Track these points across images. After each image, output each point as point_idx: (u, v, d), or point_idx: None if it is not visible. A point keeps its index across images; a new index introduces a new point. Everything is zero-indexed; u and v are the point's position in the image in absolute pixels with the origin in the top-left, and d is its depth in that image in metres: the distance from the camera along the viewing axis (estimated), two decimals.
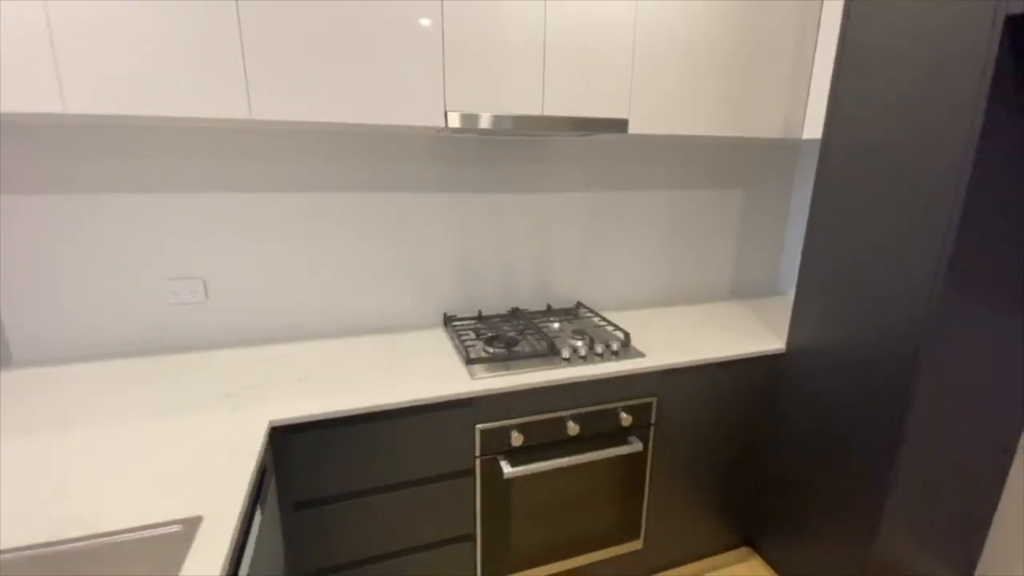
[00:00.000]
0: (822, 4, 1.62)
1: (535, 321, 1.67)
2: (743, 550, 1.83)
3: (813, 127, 1.70)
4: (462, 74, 1.28)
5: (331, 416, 1.12)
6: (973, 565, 1.59)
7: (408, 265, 1.66)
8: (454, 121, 1.27)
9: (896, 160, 1.23)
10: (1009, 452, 1.48)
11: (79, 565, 0.68)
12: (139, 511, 0.78)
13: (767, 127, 1.68)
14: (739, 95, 1.60)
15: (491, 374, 1.29)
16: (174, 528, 0.74)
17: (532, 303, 1.84)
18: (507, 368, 1.33)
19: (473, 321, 1.69)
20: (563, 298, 1.88)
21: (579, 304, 1.85)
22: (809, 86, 1.69)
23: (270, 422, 1.06)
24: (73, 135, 1.27)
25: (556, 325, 1.68)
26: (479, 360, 1.36)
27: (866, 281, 1.33)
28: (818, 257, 1.47)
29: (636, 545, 1.58)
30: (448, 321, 1.69)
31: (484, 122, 1.27)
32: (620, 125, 1.42)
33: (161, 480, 0.86)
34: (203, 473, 0.88)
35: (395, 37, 1.20)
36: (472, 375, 1.29)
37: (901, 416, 1.26)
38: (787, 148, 2.09)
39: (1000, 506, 1.54)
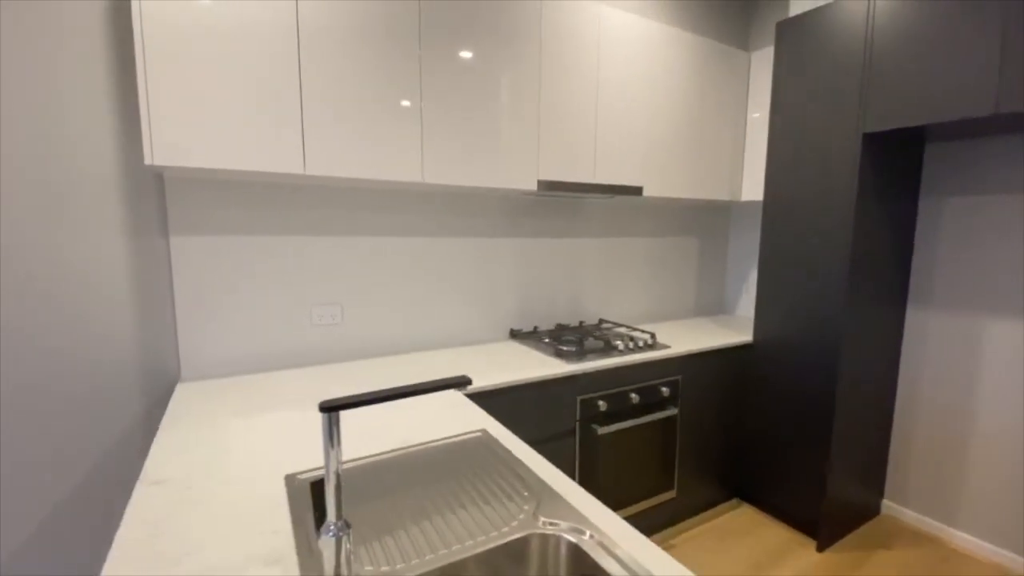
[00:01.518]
0: (747, 116, 2.49)
1: (581, 330, 2.21)
2: (734, 501, 2.41)
3: (748, 192, 2.52)
4: (547, 153, 1.87)
5: (497, 387, 1.56)
6: (883, 485, 2.33)
7: (483, 293, 2.14)
8: (543, 186, 1.85)
9: (809, 215, 2.02)
10: (891, 400, 2.27)
11: (440, 451, 1.08)
12: (442, 432, 1.18)
13: (720, 192, 2.47)
14: (705, 170, 2.37)
15: (577, 362, 1.80)
16: (477, 434, 1.16)
17: (568, 319, 2.39)
18: (582, 359, 1.85)
19: (533, 333, 2.19)
20: (589, 316, 2.45)
21: (601, 320, 2.44)
22: (743, 163, 2.53)
23: (462, 393, 1.48)
24: (240, 189, 1.64)
25: (595, 333, 2.23)
26: (565, 354, 1.87)
27: (800, 293, 2.08)
28: (769, 278, 2.21)
29: (671, 494, 2.10)
30: (514, 334, 2.17)
31: (563, 187, 1.87)
32: (638, 190, 2.09)
33: (433, 419, 1.26)
34: (453, 415, 1.29)
35: (512, 130, 1.77)
36: (566, 363, 1.79)
37: (832, 381, 1.97)
38: (723, 207, 2.93)
39: (892, 442, 2.31)
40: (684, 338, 2.24)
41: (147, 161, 1.25)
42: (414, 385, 0.70)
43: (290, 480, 0.96)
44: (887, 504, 2.31)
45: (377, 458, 1.04)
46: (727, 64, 2.39)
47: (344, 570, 0.65)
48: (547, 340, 2.06)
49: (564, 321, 2.37)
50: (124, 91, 1.45)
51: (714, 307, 3.01)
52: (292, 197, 1.71)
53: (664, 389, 1.98)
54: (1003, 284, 1.95)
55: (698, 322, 2.67)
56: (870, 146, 1.87)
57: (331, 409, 0.63)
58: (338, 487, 0.65)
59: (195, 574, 0.70)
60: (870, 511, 2.28)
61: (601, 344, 1.99)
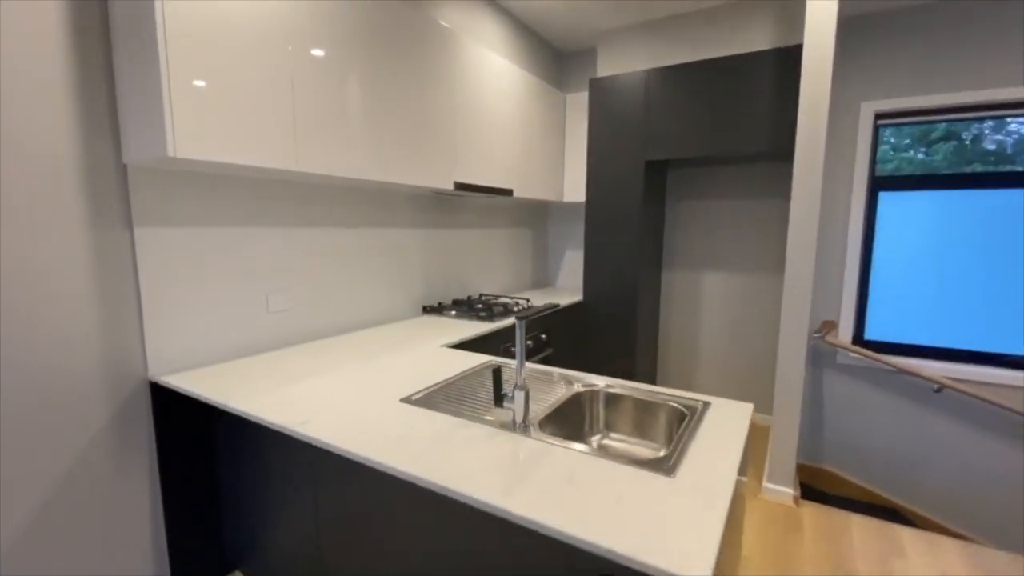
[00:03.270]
0: (564, 139, 3.44)
1: (477, 301, 2.79)
2: None
3: (567, 195, 3.48)
4: (460, 161, 2.39)
5: (464, 340, 2.03)
6: (655, 377, 3.61)
7: (400, 276, 2.51)
8: (458, 186, 2.36)
9: (613, 212, 3.05)
10: (657, 326, 3.56)
11: (478, 374, 1.57)
12: (464, 367, 1.65)
13: (551, 194, 3.36)
14: (543, 177, 3.21)
15: (495, 322, 2.40)
16: (492, 362, 1.67)
17: (460, 295, 2.92)
18: (496, 319, 2.45)
19: (439, 307, 2.66)
20: (473, 291, 3.04)
21: (481, 294, 3.05)
22: (563, 173, 3.47)
23: (440, 345, 1.92)
24: (200, 181, 1.71)
25: (491, 302, 2.83)
26: (484, 318, 2.43)
27: (611, 265, 3.11)
28: (591, 255, 3.19)
29: None
30: (426, 310, 2.61)
31: (471, 188, 2.42)
32: (510, 192, 2.79)
33: (445, 362, 1.70)
34: (453, 359, 1.75)
35: (437, 143, 2.23)
36: (491, 323, 2.36)
37: (634, 313, 3.06)
38: (545, 206, 3.87)
39: (659, 351, 3.60)
40: (542, 302, 3.03)
41: (172, 152, 1.32)
42: (542, 307, 1.23)
43: (407, 400, 1.33)
44: None
45: (443, 384, 1.47)
46: (553, 101, 3.27)
47: (527, 410, 1.16)
48: (454, 312, 2.57)
49: (457, 296, 2.91)
50: (87, 84, 1.39)
51: (542, 281, 3.94)
52: (248, 190, 1.81)
53: (543, 336, 2.74)
54: (709, 252, 3.35)
55: (539, 292, 3.54)
56: (648, 169, 2.98)
57: (522, 318, 1.13)
58: (523, 358, 1.15)
59: (438, 436, 1.09)
60: None
61: (501, 308, 2.62)
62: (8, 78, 1.25)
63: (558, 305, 1.26)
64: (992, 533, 2.66)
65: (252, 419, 1.25)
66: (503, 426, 1.16)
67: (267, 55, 1.51)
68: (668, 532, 0.77)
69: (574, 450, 1.04)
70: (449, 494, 0.90)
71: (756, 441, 3.06)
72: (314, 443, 1.11)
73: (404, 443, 1.07)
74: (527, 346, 2.59)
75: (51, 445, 1.39)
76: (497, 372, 1.19)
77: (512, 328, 2.45)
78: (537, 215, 3.78)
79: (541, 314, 1.17)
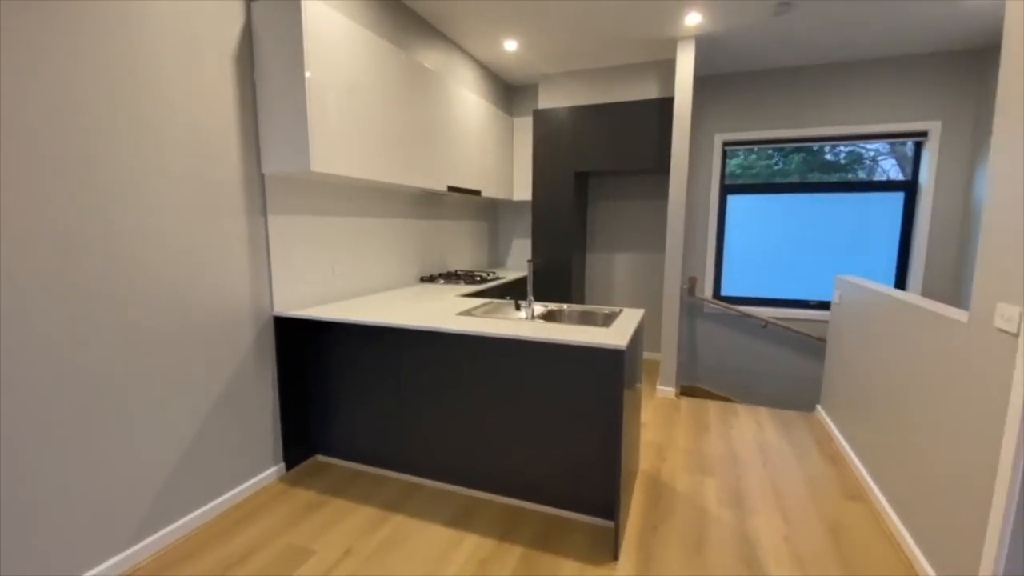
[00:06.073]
0: (513, 153, 4.51)
1: (459, 273, 3.77)
2: None
3: (516, 195, 4.56)
4: (450, 168, 3.37)
5: (470, 293, 3.03)
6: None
7: (401, 252, 3.42)
8: (450, 188, 3.34)
9: (553, 209, 4.17)
10: (583, 291, 4.75)
11: (500, 302, 2.59)
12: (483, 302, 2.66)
13: (504, 194, 4.42)
14: (500, 181, 4.26)
15: (477, 285, 3.40)
16: (508, 300, 2.70)
17: (443, 269, 3.88)
18: (478, 284, 3.45)
19: (432, 277, 3.61)
20: (449, 267, 4.01)
21: (457, 269, 4.04)
22: (512, 177, 4.54)
23: (455, 295, 2.90)
24: (302, 185, 2.56)
25: (470, 274, 3.81)
26: (470, 283, 3.43)
27: (552, 248, 4.23)
28: (538, 239, 4.28)
29: None
30: (423, 279, 3.56)
31: (458, 190, 3.40)
32: (479, 192, 3.81)
33: (466, 303, 2.69)
34: (469, 302, 2.75)
35: (439, 157, 3.20)
36: (476, 286, 3.36)
37: (570, 282, 4.20)
38: (495, 203, 4.92)
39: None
40: (504, 276, 4.09)
41: (313, 168, 2.19)
42: (533, 259, 2.28)
43: (460, 314, 2.32)
44: None
45: (473, 308, 2.48)
46: (505, 123, 4.32)
47: (533, 311, 2.21)
48: (442, 281, 3.54)
49: (442, 271, 3.87)
50: (244, 117, 2.21)
51: (495, 263, 4.99)
52: (318, 189, 2.66)
53: (507, 296, 3.78)
54: (618, 238, 4.59)
55: (497, 270, 4.58)
56: (576, 178, 4.14)
57: (530, 262, 2.18)
58: (532, 285, 2.20)
59: (489, 323, 2.10)
60: None
61: (479, 278, 3.63)
62: (218, 121, 2.06)
63: (532, 260, 2.31)
64: (790, 405, 4.15)
65: (368, 324, 2.18)
66: (520, 320, 2.20)
67: (346, 100, 2.41)
68: (606, 339, 1.86)
69: (560, 325, 2.11)
70: (505, 337, 1.93)
71: (651, 369, 4.35)
72: (419, 328, 2.07)
73: (470, 326, 2.07)
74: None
75: (227, 354, 2.20)
76: (515, 296, 2.21)
77: (492, 289, 3.48)
78: (491, 211, 4.82)
79: (535, 261, 2.22)
